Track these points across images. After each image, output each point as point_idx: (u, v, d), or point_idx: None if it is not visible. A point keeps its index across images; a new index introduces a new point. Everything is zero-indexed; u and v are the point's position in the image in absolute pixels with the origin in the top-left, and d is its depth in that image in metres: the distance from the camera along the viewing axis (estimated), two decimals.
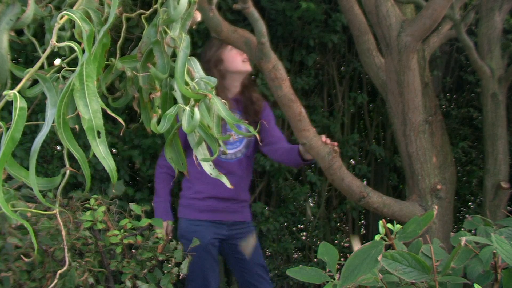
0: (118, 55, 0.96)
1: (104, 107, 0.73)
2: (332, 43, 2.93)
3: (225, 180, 0.95)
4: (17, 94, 0.65)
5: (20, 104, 0.64)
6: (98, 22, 0.80)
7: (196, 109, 0.86)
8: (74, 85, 0.69)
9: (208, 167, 0.96)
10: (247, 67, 2.13)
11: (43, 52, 0.98)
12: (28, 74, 0.72)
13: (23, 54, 2.61)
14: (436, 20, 1.77)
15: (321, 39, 2.90)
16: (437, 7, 1.73)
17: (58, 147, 2.64)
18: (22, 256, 1.44)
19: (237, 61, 2.10)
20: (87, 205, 1.84)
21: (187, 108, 0.86)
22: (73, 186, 2.67)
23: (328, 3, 2.97)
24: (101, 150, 0.71)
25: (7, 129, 0.65)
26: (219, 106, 0.90)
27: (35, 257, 1.55)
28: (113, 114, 0.74)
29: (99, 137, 0.70)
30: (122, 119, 2.93)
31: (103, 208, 1.81)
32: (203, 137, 0.91)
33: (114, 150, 2.74)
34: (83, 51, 0.72)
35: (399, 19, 1.85)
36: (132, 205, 1.89)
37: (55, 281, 0.78)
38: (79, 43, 0.74)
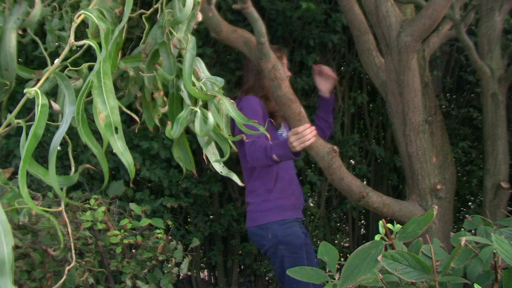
0: (120, 55, 0.96)
1: (120, 104, 0.74)
2: (332, 43, 2.93)
3: (235, 178, 0.95)
4: (39, 91, 0.66)
5: (42, 101, 0.66)
6: (112, 21, 0.81)
7: (209, 114, 0.86)
8: (92, 83, 0.70)
9: (218, 166, 0.95)
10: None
11: (45, 51, 0.98)
12: (47, 73, 0.74)
13: (23, 54, 2.61)
14: (436, 20, 1.77)
15: (321, 39, 2.90)
16: (437, 7, 1.73)
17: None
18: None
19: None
20: (87, 205, 1.84)
21: (198, 110, 0.87)
22: (73, 186, 2.67)
23: (328, 3, 2.97)
24: (119, 145, 0.72)
25: (28, 127, 0.66)
26: (228, 106, 0.90)
27: (35, 257, 1.55)
28: (127, 111, 0.75)
29: (116, 132, 0.71)
30: (122, 119, 2.91)
31: (103, 208, 1.81)
32: (213, 138, 0.91)
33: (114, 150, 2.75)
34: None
35: (399, 19, 1.85)
36: (132, 205, 1.89)
37: (64, 277, 0.78)
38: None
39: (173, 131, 0.87)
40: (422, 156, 1.95)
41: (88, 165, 0.78)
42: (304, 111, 1.83)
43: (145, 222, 1.84)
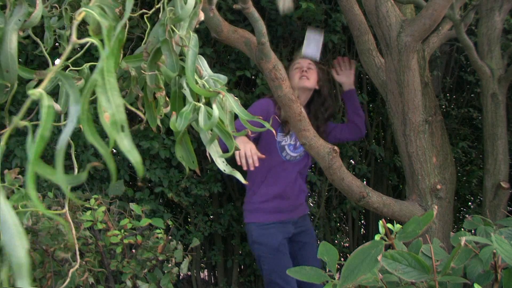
0: (121, 55, 0.96)
1: (125, 102, 0.73)
2: (332, 43, 2.93)
3: (239, 176, 0.96)
4: (43, 93, 0.66)
5: (47, 102, 0.65)
6: (113, 17, 0.81)
7: (214, 106, 0.87)
8: (96, 81, 0.69)
9: (221, 164, 0.95)
10: (303, 83, 2.26)
11: (46, 51, 0.98)
12: (51, 73, 0.73)
13: (23, 54, 2.61)
14: (436, 20, 1.77)
15: None
16: (437, 7, 1.73)
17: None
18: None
19: (295, 78, 2.26)
20: (87, 205, 1.84)
21: (202, 106, 0.87)
22: (73, 186, 2.67)
23: (328, 3, 2.97)
24: (125, 143, 0.71)
25: (34, 128, 0.66)
26: (232, 103, 0.91)
27: (35, 257, 1.55)
28: (132, 109, 0.75)
29: (123, 131, 0.71)
30: None
31: (103, 208, 1.81)
32: (218, 134, 0.92)
33: (114, 150, 2.74)
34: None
35: (399, 19, 1.85)
36: (132, 205, 1.89)
37: (68, 279, 0.77)
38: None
39: (177, 124, 0.88)
40: (422, 156, 1.95)
41: (96, 163, 0.77)
42: (304, 111, 1.83)
43: (145, 222, 1.84)
